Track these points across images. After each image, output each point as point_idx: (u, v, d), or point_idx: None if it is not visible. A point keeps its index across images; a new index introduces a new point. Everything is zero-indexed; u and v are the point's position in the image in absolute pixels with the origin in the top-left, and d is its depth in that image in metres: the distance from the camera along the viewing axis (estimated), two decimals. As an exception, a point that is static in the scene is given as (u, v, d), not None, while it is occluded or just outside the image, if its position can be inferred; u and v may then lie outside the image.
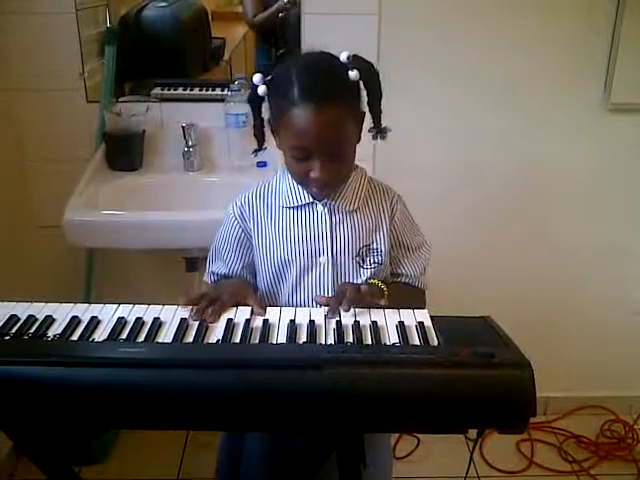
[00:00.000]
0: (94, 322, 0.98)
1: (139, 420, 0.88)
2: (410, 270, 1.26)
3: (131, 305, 1.03)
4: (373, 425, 0.90)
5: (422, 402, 0.84)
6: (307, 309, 1.05)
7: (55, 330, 0.96)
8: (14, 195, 1.94)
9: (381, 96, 1.12)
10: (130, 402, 0.84)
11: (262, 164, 1.74)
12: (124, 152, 1.85)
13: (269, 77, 1.11)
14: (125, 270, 2.03)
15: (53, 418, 0.88)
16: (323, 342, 0.96)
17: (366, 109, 1.13)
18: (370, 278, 1.18)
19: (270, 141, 1.19)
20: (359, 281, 1.18)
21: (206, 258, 1.30)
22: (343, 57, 1.08)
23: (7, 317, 0.98)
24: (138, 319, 0.99)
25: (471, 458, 1.92)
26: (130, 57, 1.91)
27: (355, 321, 1.00)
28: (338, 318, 1.01)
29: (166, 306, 1.03)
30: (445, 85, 1.89)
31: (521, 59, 1.86)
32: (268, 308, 1.05)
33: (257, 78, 1.11)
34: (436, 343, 0.95)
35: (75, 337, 0.95)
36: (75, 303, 1.03)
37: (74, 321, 0.98)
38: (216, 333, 0.98)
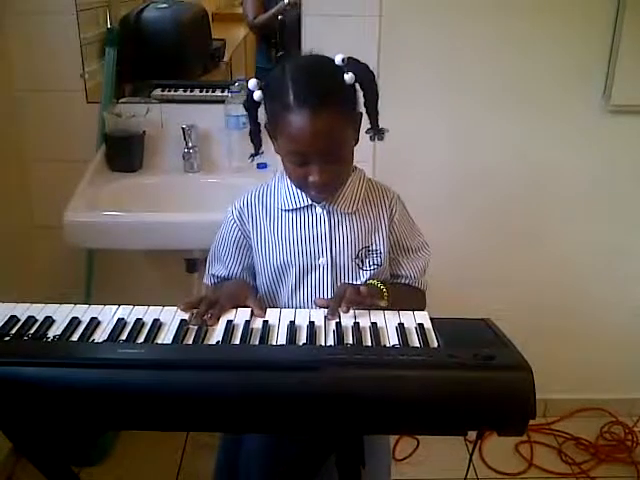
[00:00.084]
0: (94, 323, 0.98)
1: (139, 421, 0.88)
2: (410, 271, 1.26)
3: (131, 306, 1.03)
4: (373, 426, 0.90)
5: (422, 404, 0.84)
6: (307, 310, 1.05)
7: (55, 331, 0.96)
8: (14, 195, 1.94)
9: (378, 97, 1.11)
10: (130, 403, 0.84)
11: (262, 165, 1.74)
12: (124, 153, 1.85)
13: (264, 82, 1.11)
14: (125, 271, 2.03)
15: (53, 419, 0.87)
16: (323, 343, 0.96)
17: (363, 110, 1.13)
18: (370, 279, 1.18)
19: (268, 145, 1.19)
20: (359, 282, 1.18)
21: (206, 259, 1.30)
22: (338, 60, 1.07)
23: (7, 318, 0.98)
24: (138, 320, 0.99)
25: (470, 460, 1.92)
26: (130, 58, 1.91)
27: (355, 322, 1.00)
28: (338, 319, 1.01)
29: (166, 307, 1.03)
30: (446, 87, 1.89)
31: (521, 60, 1.86)
32: (268, 309, 1.05)
33: (252, 84, 1.11)
34: (436, 345, 0.95)
35: (75, 338, 0.95)
36: (75, 304, 1.03)
37: (74, 322, 0.98)
38: (216, 334, 0.98)
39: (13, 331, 0.95)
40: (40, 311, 1.01)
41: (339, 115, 1.05)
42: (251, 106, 1.14)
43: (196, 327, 0.98)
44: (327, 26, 1.80)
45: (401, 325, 0.99)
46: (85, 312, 1.01)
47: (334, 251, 1.18)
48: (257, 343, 0.95)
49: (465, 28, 1.83)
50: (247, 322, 1.01)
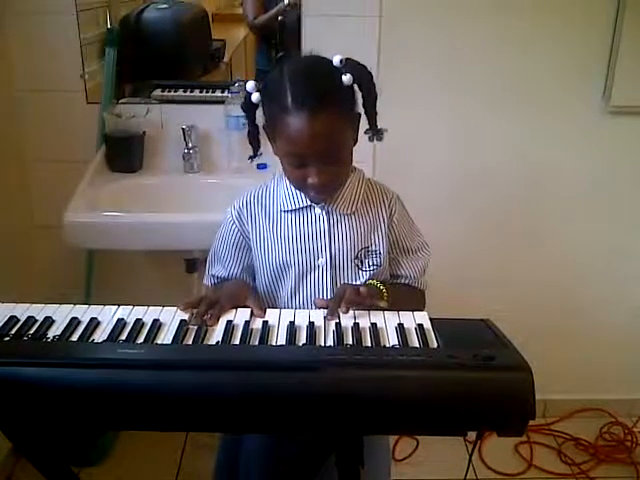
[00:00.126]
0: (94, 323, 0.98)
1: (138, 421, 0.88)
2: (409, 271, 1.26)
3: (131, 306, 1.03)
4: (372, 427, 0.90)
5: (421, 404, 0.84)
6: (306, 311, 1.05)
7: (55, 331, 0.96)
8: (14, 195, 1.94)
9: (376, 98, 1.11)
10: (129, 403, 0.84)
11: (262, 166, 1.74)
12: (124, 153, 1.85)
13: (262, 84, 1.10)
14: (125, 271, 2.03)
15: (52, 419, 0.87)
16: (322, 344, 0.96)
17: (362, 111, 1.12)
18: (369, 280, 1.18)
19: (268, 146, 1.19)
20: (358, 283, 1.18)
21: (206, 259, 1.30)
22: (336, 61, 1.07)
23: (7, 318, 0.98)
24: (138, 320, 0.99)
25: (470, 460, 1.92)
26: (130, 59, 1.91)
27: (354, 323, 1.00)
28: (337, 320, 1.01)
29: (166, 307, 1.03)
30: (446, 87, 1.89)
31: (521, 60, 1.86)
32: (267, 310, 1.05)
33: (250, 86, 1.11)
34: (435, 345, 0.95)
35: (75, 338, 0.95)
36: (75, 304, 1.03)
37: (74, 322, 0.98)
38: (216, 334, 0.98)
39: (13, 331, 0.95)
40: (40, 311, 1.01)
41: (337, 116, 1.05)
42: (249, 108, 1.14)
43: (196, 327, 0.98)
44: (327, 27, 1.81)
45: (401, 325, 0.99)
46: (85, 312, 1.01)
47: (333, 251, 1.18)
48: (257, 343, 0.95)
49: (465, 28, 1.83)
50: (247, 322, 1.00)
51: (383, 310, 1.04)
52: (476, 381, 0.84)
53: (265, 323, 1.00)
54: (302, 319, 1.01)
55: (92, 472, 1.93)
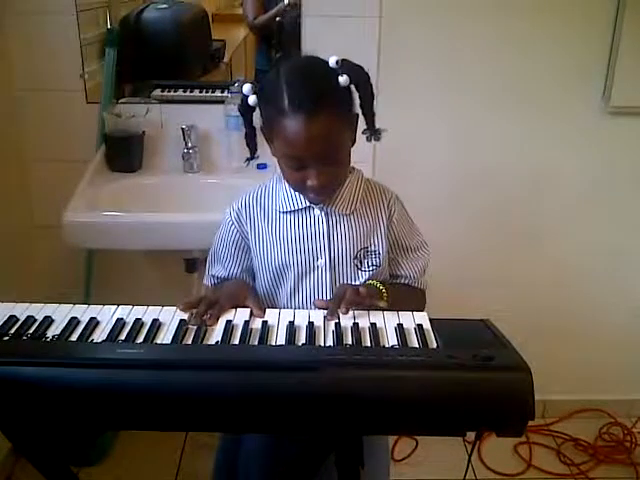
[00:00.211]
0: (93, 323, 0.98)
1: (138, 421, 0.88)
2: (409, 271, 1.26)
3: (130, 306, 1.03)
4: (372, 427, 0.90)
5: (421, 404, 0.84)
6: (306, 311, 1.05)
7: (54, 331, 0.96)
8: (14, 195, 1.94)
9: (373, 98, 1.10)
10: (129, 403, 0.84)
11: (262, 166, 1.74)
12: (124, 153, 1.85)
13: (259, 86, 1.10)
14: (124, 271, 2.03)
15: (52, 419, 0.87)
16: (322, 344, 0.96)
17: (359, 111, 1.12)
18: (369, 280, 1.18)
19: (267, 146, 1.18)
20: (358, 283, 1.18)
21: (205, 259, 1.30)
22: (332, 62, 1.06)
23: (6, 317, 0.98)
24: (137, 320, 0.99)
25: (469, 460, 1.93)
26: (130, 59, 1.91)
27: (354, 323, 1.00)
28: (337, 320, 1.01)
29: (165, 307, 1.03)
30: (446, 87, 1.89)
31: (521, 60, 1.86)
32: (267, 310, 1.05)
33: (247, 88, 1.11)
34: (435, 346, 0.95)
35: (74, 338, 0.95)
36: (74, 304, 1.03)
37: (73, 322, 0.98)
38: (215, 334, 0.98)
39: (12, 331, 0.95)
40: (39, 311, 1.01)
41: (335, 118, 1.04)
42: (246, 111, 1.13)
43: (195, 327, 0.98)
44: (327, 27, 1.81)
45: (400, 326, 0.99)
46: (84, 312, 1.01)
47: (333, 252, 1.18)
48: (256, 343, 0.95)
49: (465, 28, 1.83)
50: (246, 322, 1.00)
51: (383, 310, 1.04)
52: (475, 381, 0.84)
53: (265, 323, 1.00)
54: (302, 319, 1.01)
55: (91, 472, 1.93)
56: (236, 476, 1.24)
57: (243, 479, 1.23)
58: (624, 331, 2.16)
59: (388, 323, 1.01)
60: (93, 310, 1.02)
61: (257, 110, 1.12)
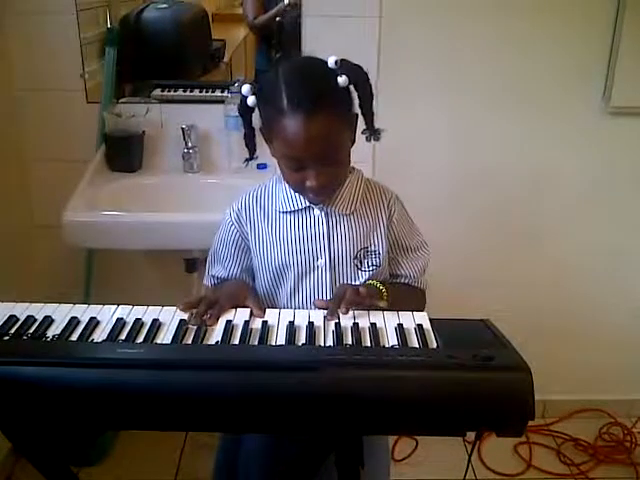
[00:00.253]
0: (93, 323, 0.98)
1: (138, 421, 0.88)
2: (409, 271, 1.26)
3: (130, 306, 1.03)
4: (372, 427, 0.90)
5: (421, 404, 0.84)
6: (306, 311, 1.05)
7: (54, 331, 0.96)
8: (14, 195, 1.94)
9: (372, 98, 1.10)
10: (129, 403, 0.84)
11: (262, 166, 1.74)
12: (124, 153, 1.85)
13: (258, 87, 1.10)
14: (124, 271, 2.03)
15: (52, 419, 0.87)
16: (322, 344, 0.96)
17: (359, 111, 1.11)
18: (369, 280, 1.18)
19: (264, 148, 1.18)
20: (358, 283, 1.18)
21: (205, 259, 1.30)
22: (331, 62, 1.06)
23: (6, 317, 0.98)
24: (137, 320, 0.99)
25: (469, 460, 1.93)
26: (130, 58, 1.91)
27: (354, 323, 1.00)
28: (337, 320, 1.01)
29: (165, 307, 1.03)
30: (446, 87, 1.89)
31: (521, 60, 1.86)
32: (267, 310, 1.05)
33: (246, 89, 1.10)
34: (435, 346, 0.95)
35: (74, 338, 0.95)
36: (74, 304, 1.03)
37: (73, 322, 0.98)
38: (215, 334, 0.98)
39: (12, 330, 0.95)
40: (39, 311, 1.01)
41: (334, 118, 1.04)
42: (245, 111, 1.13)
43: (195, 327, 0.98)
44: (327, 27, 1.81)
45: (400, 326, 0.99)
46: (84, 312, 1.01)
47: (332, 252, 1.18)
48: (256, 343, 0.95)
49: (465, 28, 1.83)
50: (246, 322, 1.00)
51: (383, 310, 1.04)
52: (475, 381, 0.84)
53: (265, 323, 1.00)
54: (302, 319, 1.01)
55: (91, 472, 1.93)
56: (236, 476, 1.24)
57: (243, 479, 1.23)
58: (624, 331, 2.16)
59: (388, 323, 1.01)
60: (93, 310, 1.02)
61: (256, 111, 1.12)
